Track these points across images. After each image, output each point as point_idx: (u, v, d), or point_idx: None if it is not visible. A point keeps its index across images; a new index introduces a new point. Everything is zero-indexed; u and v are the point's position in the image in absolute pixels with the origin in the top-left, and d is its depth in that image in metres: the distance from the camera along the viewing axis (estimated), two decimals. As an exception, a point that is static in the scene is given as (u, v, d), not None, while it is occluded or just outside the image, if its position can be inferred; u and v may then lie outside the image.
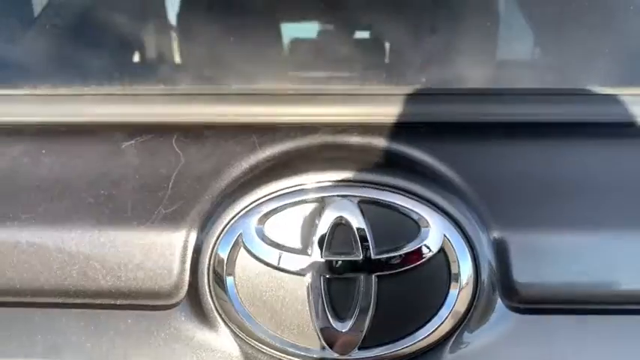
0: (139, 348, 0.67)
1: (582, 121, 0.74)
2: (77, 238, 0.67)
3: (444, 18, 1.10)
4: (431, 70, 0.93)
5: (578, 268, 0.65)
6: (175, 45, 1.19)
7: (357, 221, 0.61)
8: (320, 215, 0.62)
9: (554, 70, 0.99)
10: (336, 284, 0.62)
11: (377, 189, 0.63)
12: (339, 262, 0.61)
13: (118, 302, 0.67)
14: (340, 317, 0.62)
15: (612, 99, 0.76)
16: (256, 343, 0.65)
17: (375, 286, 0.61)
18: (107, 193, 0.68)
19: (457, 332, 0.64)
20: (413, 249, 0.61)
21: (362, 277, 0.61)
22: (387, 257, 0.61)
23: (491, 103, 0.76)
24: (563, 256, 0.65)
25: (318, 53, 1.17)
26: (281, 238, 0.63)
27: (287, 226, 0.63)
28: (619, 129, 0.74)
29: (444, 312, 0.62)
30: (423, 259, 0.61)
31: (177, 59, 1.05)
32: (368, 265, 0.61)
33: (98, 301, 0.67)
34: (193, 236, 0.66)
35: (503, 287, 0.64)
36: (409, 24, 1.13)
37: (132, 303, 0.67)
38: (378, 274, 0.61)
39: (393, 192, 0.63)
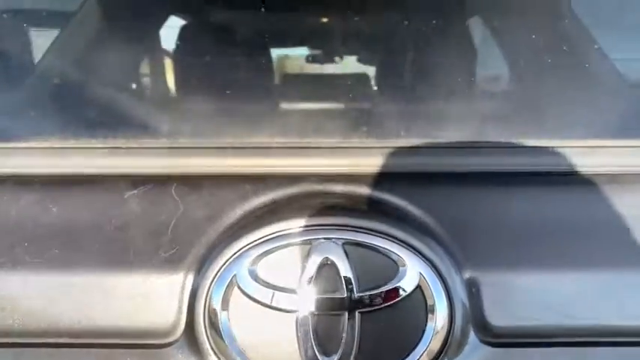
0: None
1: (546, 171, 0.83)
2: (82, 281, 0.72)
3: (421, 80, 1.21)
4: (407, 125, 1.02)
5: (545, 304, 0.71)
6: (176, 101, 1.28)
7: (341, 262, 0.68)
8: (308, 257, 0.68)
9: (524, 125, 1.09)
10: (323, 320, 0.68)
11: (359, 232, 0.70)
12: (325, 301, 0.67)
13: (120, 341, 0.71)
14: (327, 352, 0.67)
15: (575, 151, 0.85)
16: None
17: (358, 322, 0.67)
18: (112, 238, 0.74)
19: None
20: (392, 287, 0.67)
21: (346, 313, 0.67)
22: (369, 295, 0.67)
23: (464, 156, 0.84)
24: (530, 293, 0.71)
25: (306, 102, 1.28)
26: (272, 279, 0.69)
27: (278, 267, 0.69)
28: (581, 178, 0.82)
29: (421, 347, 0.68)
30: (401, 297, 0.67)
31: (178, 115, 1.14)
32: (352, 303, 0.67)
33: (101, 341, 0.71)
34: (190, 278, 0.71)
35: (476, 322, 0.70)
36: (388, 87, 1.24)
37: (133, 342, 0.71)
38: (361, 310, 0.67)
39: (374, 235, 0.70)
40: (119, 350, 0.71)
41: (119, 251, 0.73)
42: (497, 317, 0.70)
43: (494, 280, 0.72)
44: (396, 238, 0.70)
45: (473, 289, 0.71)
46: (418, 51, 1.26)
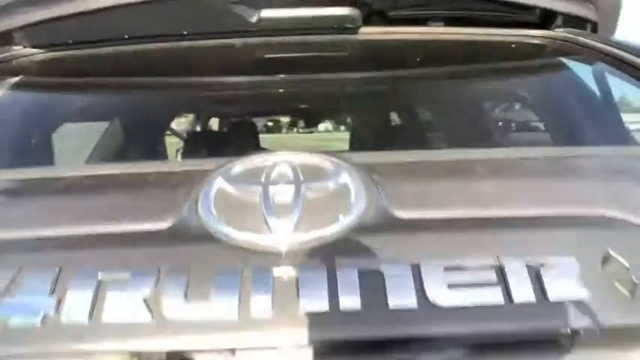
0: (142, 254, 0.91)
1: None
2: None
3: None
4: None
5: (444, 192, 1.02)
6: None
7: (292, 162, 1.02)
8: (273, 163, 1.03)
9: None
10: (280, 194, 0.97)
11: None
12: (281, 182, 0.99)
13: (129, 229, 0.96)
14: (280, 216, 0.93)
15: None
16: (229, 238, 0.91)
17: (303, 195, 0.96)
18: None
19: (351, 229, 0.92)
20: (327, 175, 1.00)
21: (294, 188, 0.97)
22: (311, 178, 0.99)
23: None
24: (436, 189, 1.03)
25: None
26: (246, 174, 1.01)
27: (251, 168, 1.03)
28: None
29: (346, 215, 0.94)
30: (334, 187, 0.99)
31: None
32: (298, 182, 0.98)
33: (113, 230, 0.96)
34: (189, 185, 1.02)
35: (390, 200, 0.97)
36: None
37: (136, 229, 0.95)
38: (306, 185, 0.97)
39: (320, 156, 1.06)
40: (128, 234, 0.95)
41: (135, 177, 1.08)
42: (404, 203, 0.98)
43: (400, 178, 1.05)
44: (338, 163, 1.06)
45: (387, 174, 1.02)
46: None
